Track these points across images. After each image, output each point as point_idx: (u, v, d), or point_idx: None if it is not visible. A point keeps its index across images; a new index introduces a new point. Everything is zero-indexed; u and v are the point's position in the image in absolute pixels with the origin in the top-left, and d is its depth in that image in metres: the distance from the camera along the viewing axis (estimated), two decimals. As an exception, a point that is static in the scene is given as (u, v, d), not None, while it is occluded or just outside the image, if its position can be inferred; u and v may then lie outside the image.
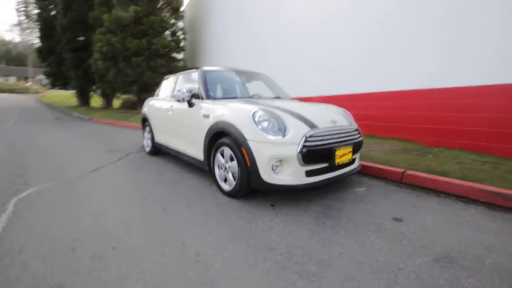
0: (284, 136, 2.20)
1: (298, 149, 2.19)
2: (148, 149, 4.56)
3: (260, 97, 3.40)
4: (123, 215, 2.15)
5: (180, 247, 1.69)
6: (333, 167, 2.41)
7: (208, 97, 3.00)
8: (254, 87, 3.70)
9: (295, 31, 7.03)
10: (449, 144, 4.15)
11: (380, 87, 5.06)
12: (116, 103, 18.15)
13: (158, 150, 4.41)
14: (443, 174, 2.95)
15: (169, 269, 1.47)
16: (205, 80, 3.19)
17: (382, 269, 1.47)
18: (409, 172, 2.94)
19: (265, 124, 2.27)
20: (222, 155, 2.61)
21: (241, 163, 2.34)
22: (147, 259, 1.56)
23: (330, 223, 2.01)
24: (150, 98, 4.64)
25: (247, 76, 3.72)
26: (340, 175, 2.51)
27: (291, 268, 1.48)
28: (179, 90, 3.07)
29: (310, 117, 2.47)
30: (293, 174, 2.21)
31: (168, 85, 4.15)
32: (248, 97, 3.28)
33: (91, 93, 16.62)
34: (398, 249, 1.67)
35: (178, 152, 3.49)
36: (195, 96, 3.14)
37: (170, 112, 3.57)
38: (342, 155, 2.45)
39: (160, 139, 4.04)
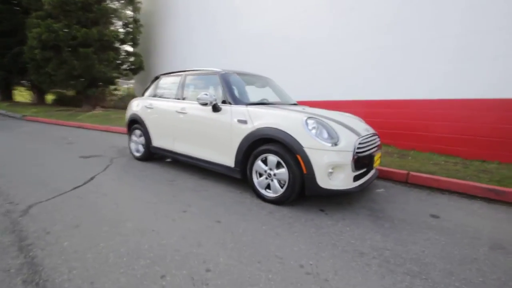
0: (337, 144, 2.30)
1: (352, 156, 2.33)
2: (138, 155, 4.12)
3: (285, 103, 3.44)
4: (179, 232, 1.95)
5: (279, 261, 1.63)
6: (367, 171, 2.62)
7: (238, 102, 2.90)
8: (262, 91, 3.71)
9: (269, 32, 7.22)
10: (421, 147, 4.86)
11: (366, 96, 5.61)
12: (48, 98, 15.62)
13: (150, 156, 4.03)
14: (430, 174, 3.48)
15: (289, 284, 1.42)
16: (230, 83, 3.07)
17: (464, 261, 1.70)
18: (413, 173, 3.38)
19: (318, 131, 2.34)
20: (264, 162, 2.58)
21: (294, 170, 2.35)
22: (257, 278, 1.47)
23: (388, 225, 2.19)
24: (141, 98, 4.19)
25: (259, 80, 3.70)
26: (372, 178, 2.75)
27: (396, 269, 1.60)
28: (206, 94, 2.88)
29: (351, 126, 2.64)
30: (345, 179, 2.34)
31: (170, 85, 3.83)
32: (278, 103, 3.30)
33: (16, 86, 13.93)
34: (459, 242, 1.94)
35: (192, 158, 3.26)
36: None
37: (182, 115, 3.31)
38: (377, 159, 2.68)
39: (161, 143, 3.69)
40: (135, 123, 4.17)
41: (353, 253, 1.76)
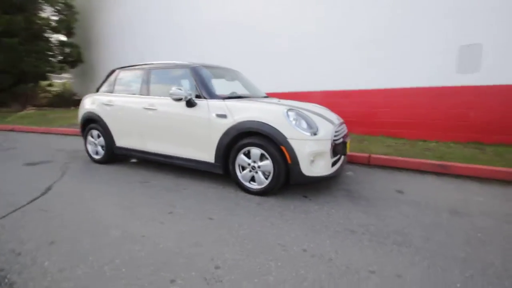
0: (316, 133, 2.43)
1: (330, 144, 2.49)
2: (97, 157, 3.75)
3: (256, 96, 3.45)
4: (172, 234, 1.87)
5: (282, 248, 1.69)
6: (340, 157, 2.84)
7: (213, 96, 2.83)
8: (232, 84, 3.68)
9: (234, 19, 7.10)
10: (373, 132, 5.39)
11: (315, 88, 5.93)
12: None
13: (113, 157, 3.71)
14: (386, 155, 3.92)
15: (299, 269, 1.49)
16: (202, 77, 2.97)
17: (434, 227, 1.99)
18: (373, 155, 3.75)
19: (299, 122, 2.44)
20: (247, 155, 2.59)
21: (278, 161, 2.42)
22: (267, 267, 1.50)
23: (364, 203, 2.42)
24: (96, 95, 3.79)
25: (228, 72, 3.65)
26: (344, 163, 2.98)
27: (384, 241, 1.79)
28: (179, 88, 2.74)
29: (325, 115, 2.80)
30: (325, 166, 2.49)
31: (131, 79, 3.52)
32: (251, 97, 3.29)
33: None
34: (425, 212, 2.24)
35: (166, 156, 3.10)
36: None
37: (150, 112, 3.10)
38: (348, 146, 2.91)
39: (127, 143, 3.42)
40: (91, 122, 3.76)
41: (344, 232, 1.92)
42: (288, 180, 2.47)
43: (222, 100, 2.78)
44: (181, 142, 2.97)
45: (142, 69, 3.43)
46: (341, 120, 3.11)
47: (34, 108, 9.99)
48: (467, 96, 4.39)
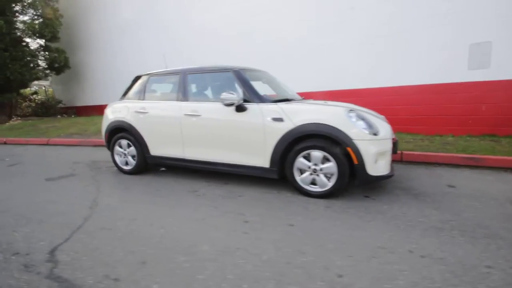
0: (377, 133, 2.46)
1: (391, 143, 2.52)
2: (128, 168, 3.57)
3: (295, 98, 3.40)
4: (266, 244, 1.80)
5: (388, 251, 1.68)
6: (390, 156, 2.89)
7: (264, 99, 2.78)
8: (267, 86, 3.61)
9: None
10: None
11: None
12: None
13: (144, 168, 3.54)
14: (409, 151, 4.05)
15: (421, 271, 1.49)
16: (248, 80, 2.90)
17: (507, 217, 2.06)
18: (405, 152, 3.86)
19: (361, 123, 2.45)
20: (307, 158, 2.56)
21: (343, 163, 2.41)
22: (388, 272, 1.48)
23: (428, 199, 2.48)
24: (124, 102, 3.59)
25: (263, 74, 3.58)
26: (390, 161, 3.03)
27: (475, 236, 1.83)
28: (231, 93, 2.65)
29: (376, 115, 2.84)
30: (386, 165, 2.51)
31: (164, 85, 3.38)
32: (289, 98, 3.21)
33: None
34: (488, 204, 2.32)
35: (211, 164, 3.00)
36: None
37: (194, 118, 2.98)
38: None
39: (163, 152, 3.26)
40: (119, 131, 3.56)
41: (432, 229, 1.94)
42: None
43: (274, 103, 2.74)
44: (230, 148, 2.88)
45: (177, 73, 3.29)
46: (385, 119, 3.17)
47: (19, 118, 9.32)
48: (479, 92, 4.63)
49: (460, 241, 1.78)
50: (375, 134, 2.44)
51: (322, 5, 5.97)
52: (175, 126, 3.11)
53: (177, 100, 3.19)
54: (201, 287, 1.42)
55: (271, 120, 2.64)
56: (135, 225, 2.15)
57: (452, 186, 2.81)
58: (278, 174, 2.71)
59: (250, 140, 2.75)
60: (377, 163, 2.45)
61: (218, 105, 2.88)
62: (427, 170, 3.40)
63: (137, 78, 3.69)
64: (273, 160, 2.69)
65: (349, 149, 2.38)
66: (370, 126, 2.46)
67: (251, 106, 2.75)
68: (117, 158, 3.65)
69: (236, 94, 2.68)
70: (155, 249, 1.79)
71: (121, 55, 9.47)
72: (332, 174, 2.49)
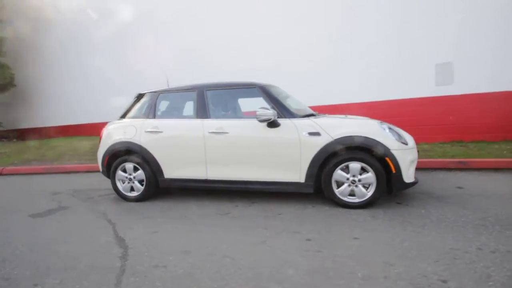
0: (407, 143, 2.65)
1: (417, 152, 2.73)
2: (134, 194, 3.21)
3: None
4: (348, 260, 1.76)
5: (492, 254, 1.72)
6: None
7: (294, 115, 2.79)
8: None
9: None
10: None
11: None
12: None
13: (153, 193, 3.21)
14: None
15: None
16: (275, 96, 2.89)
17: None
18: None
19: (393, 134, 2.62)
20: (344, 170, 2.62)
21: (381, 172, 2.52)
22: (481, 272, 1.56)
23: (452, 201, 2.71)
24: (131, 121, 3.25)
25: (278, 90, 3.58)
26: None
27: None
28: (266, 108, 2.60)
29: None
30: (413, 172, 2.71)
31: (178, 102, 3.18)
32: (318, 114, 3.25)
33: None
34: (507, 201, 2.65)
35: (239, 182, 2.86)
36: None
37: (220, 136, 2.83)
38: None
39: (181, 173, 3.01)
40: (123, 154, 3.18)
41: (479, 227, 2.10)
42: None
43: (307, 118, 2.77)
44: (262, 165, 2.79)
45: (192, 90, 3.12)
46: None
47: None
48: (446, 104, 5.36)
49: (509, 234, 1.98)
50: (405, 144, 2.62)
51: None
52: (197, 145, 2.91)
53: (197, 117, 3.01)
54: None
55: (307, 135, 2.66)
56: (192, 257, 1.90)
57: (460, 188, 3.13)
58: (314, 188, 2.71)
59: (285, 155, 2.72)
60: (409, 170, 2.62)
61: (248, 122, 2.81)
62: (428, 175, 3.75)
63: (141, 95, 3.39)
64: (309, 174, 2.69)
65: (387, 159, 2.51)
66: (400, 136, 2.65)
67: (284, 122, 2.73)
68: (119, 184, 3.24)
69: (271, 110, 2.65)
70: (238, 280, 1.61)
71: (81, 74, 8.65)
72: (370, 184, 2.58)
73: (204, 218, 2.62)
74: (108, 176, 3.35)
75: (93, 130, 8.34)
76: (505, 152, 4.49)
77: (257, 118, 2.65)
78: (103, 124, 3.55)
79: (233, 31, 6.98)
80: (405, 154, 2.55)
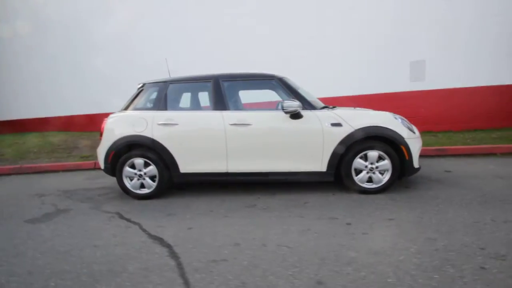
0: (415, 132, 2.92)
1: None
2: (145, 192, 3.05)
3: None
4: (419, 243, 1.92)
5: None
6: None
7: (313, 106, 2.87)
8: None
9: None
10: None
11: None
12: None
13: (165, 189, 3.06)
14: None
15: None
16: (295, 88, 2.94)
17: None
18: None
19: (405, 125, 2.86)
20: (363, 159, 2.79)
21: (396, 159, 2.75)
22: None
23: (448, 182, 3.07)
24: (139, 112, 3.02)
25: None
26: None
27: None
28: (293, 100, 2.63)
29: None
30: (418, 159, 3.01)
31: (191, 93, 3.03)
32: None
33: None
34: (497, 181, 3.06)
35: (259, 174, 2.87)
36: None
37: (242, 128, 2.79)
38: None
39: (199, 167, 2.91)
40: (132, 149, 2.95)
41: (491, 202, 2.42)
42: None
43: (327, 109, 2.88)
44: (285, 156, 2.84)
45: (207, 80, 3.00)
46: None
47: None
48: (418, 98, 5.95)
49: (508, 208, 2.34)
50: (413, 133, 2.89)
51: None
52: (218, 137, 2.83)
53: (214, 109, 2.92)
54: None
55: (330, 126, 2.77)
56: (246, 249, 1.88)
57: (449, 171, 3.56)
58: (334, 176, 2.85)
59: (308, 146, 2.80)
60: (417, 157, 2.91)
61: (271, 113, 2.83)
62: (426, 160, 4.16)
63: (147, 85, 3.16)
64: (330, 164, 2.81)
65: (402, 147, 2.75)
66: (409, 126, 2.91)
67: (306, 113, 2.80)
68: (126, 182, 3.00)
69: (297, 102, 2.69)
70: (309, 266, 1.65)
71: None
72: (385, 171, 2.80)
73: (233, 212, 2.59)
74: (111, 173, 3.09)
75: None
76: (468, 140, 5.20)
77: (284, 109, 2.68)
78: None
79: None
80: (415, 142, 2.82)
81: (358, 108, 3.37)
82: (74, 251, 2.00)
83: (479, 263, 1.59)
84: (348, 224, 2.21)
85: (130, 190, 3.02)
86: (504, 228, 1.98)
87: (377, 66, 6.09)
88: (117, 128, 3.00)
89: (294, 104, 2.68)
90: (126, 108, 3.16)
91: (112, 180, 3.65)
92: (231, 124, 2.83)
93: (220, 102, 2.94)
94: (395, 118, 2.85)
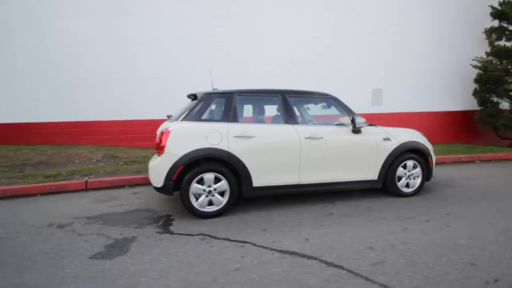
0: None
1: (432, 152, 3.87)
2: (213, 209, 2.83)
3: None
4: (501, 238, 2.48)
5: None
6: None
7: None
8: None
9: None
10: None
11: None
12: None
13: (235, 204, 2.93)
14: None
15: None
16: (347, 106, 3.32)
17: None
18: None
19: (426, 139, 3.60)
20: (404, 167, 3.37)
21: (424, 167, 3.45)
22: None
23: (454, 184, 3.97)
24: (209, 124, 2.84)
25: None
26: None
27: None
28: (362, 117, 3.00)
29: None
30: (430, 166, 3.82)
31: (259, 106, 3.05)
32: None
33: None
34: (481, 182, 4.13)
35: (323, 185, 3.13)
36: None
37: (315, 142, 2.98)
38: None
39: (272, 180, 2.93)
40: (202, 163, 2.70)
41: (497, 198, 3.28)
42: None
43: (374, 126, 3.38)
44: (347, 167, 3.17)
45: (274, 94, 3.10)
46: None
47: None
48: (377, 119, 7.23)
49: None
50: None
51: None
52: (294, 150, 2.94)
53: (286, 123, 3.02)
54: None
55: (382, 140, 3.27)
56: (386, 250, 2.10)
57: (469, 179, 4.57)
58: (382, 184, 3.34)
59: (366, 157, 3.22)
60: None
61: (336, 128, 3.17)
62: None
63: (207, 95, 2.97)
64: (381, 173, 3.30)
65: (429, 157, 3.48)
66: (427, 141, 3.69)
67: (365, 129, 3.23)
68: (194, 200, 2.71)
69: (363, 119, 3.09)
70: (478, 265, 1.89)
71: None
72: (417, 177, 3.47)
73: (322, 220, 2.71)
74: (169, 192, 2.74)
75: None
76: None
77: (357, 125, 3.03)
78: None
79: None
80: (433, 153, 3.61)
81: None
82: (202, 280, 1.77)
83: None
84: (427, 221, 2.68)
85: (196, 209, 2.73)
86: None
87: (346, 92, 7.16)
88: (187, 140, 2.71)
89: (362, 120, 3.07)
90: (182, 119, 2.88)
91: (131, 201, 3.37)
92: (306, 138, 2.99)
93: (291, 116, 3.07)
94: (421, 133, 3.59)
